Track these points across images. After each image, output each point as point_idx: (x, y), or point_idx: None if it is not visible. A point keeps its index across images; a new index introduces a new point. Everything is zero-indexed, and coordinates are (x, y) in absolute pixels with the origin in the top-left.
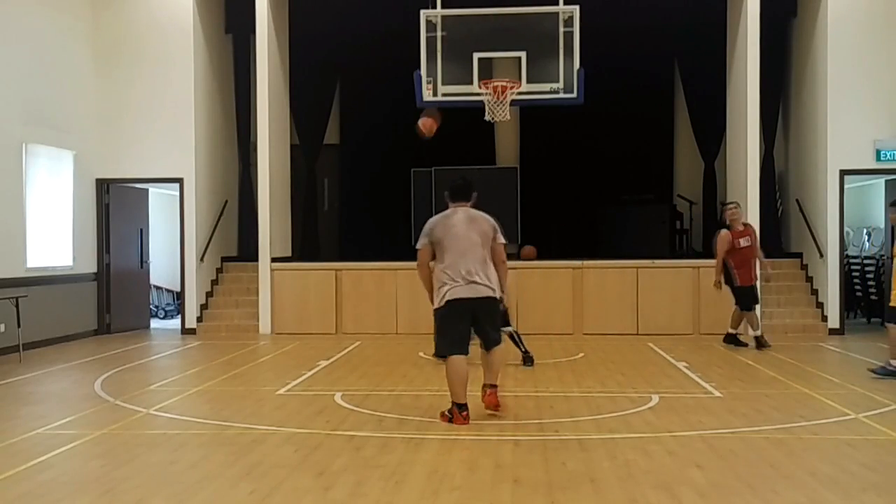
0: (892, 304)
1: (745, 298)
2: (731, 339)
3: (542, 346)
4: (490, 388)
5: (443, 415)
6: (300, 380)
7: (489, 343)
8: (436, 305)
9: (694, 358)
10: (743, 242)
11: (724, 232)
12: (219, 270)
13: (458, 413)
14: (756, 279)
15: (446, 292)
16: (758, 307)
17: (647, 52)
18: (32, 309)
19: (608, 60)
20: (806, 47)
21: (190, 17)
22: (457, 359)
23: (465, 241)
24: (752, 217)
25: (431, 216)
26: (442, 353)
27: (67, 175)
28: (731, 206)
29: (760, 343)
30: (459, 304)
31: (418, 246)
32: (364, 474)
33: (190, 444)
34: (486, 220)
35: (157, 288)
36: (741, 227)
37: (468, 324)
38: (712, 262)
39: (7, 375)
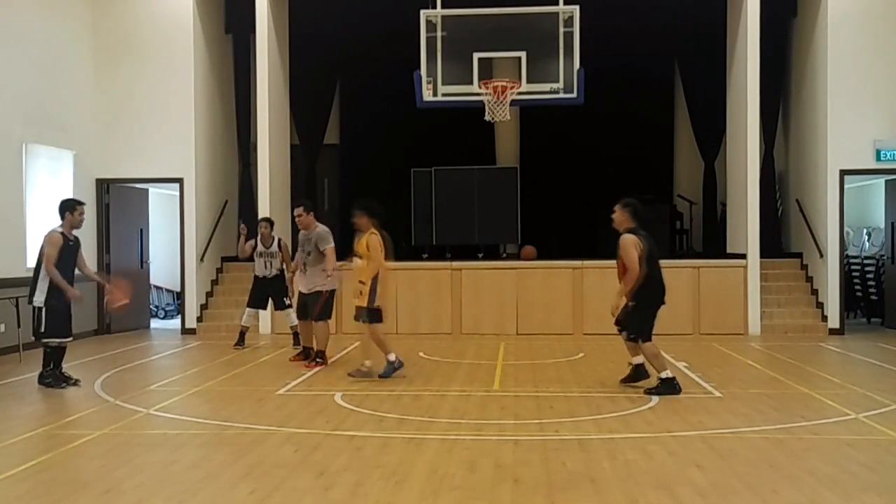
0: (359, 304)
1: None
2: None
3: (543, 346)
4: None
5: (314, 363)
6: (300, 380)
7: None
8: (335, 287)
9: (694, 358)
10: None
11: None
12: (219, 270)
13: (326, 358)
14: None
15: (334, 281)
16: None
17: (647, 52)
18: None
19: (608, 60)
20: (806, 47)
21: (190, 18)
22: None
23: None
24: (752, 217)
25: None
26: (326, 318)
27: (67, 175)
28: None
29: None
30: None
31: (333, 246)
32: (364, 474)
33: (190, 444)
34: None
35: (157, 288)
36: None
37: None
38: (712, 262)
39: (7, 375)
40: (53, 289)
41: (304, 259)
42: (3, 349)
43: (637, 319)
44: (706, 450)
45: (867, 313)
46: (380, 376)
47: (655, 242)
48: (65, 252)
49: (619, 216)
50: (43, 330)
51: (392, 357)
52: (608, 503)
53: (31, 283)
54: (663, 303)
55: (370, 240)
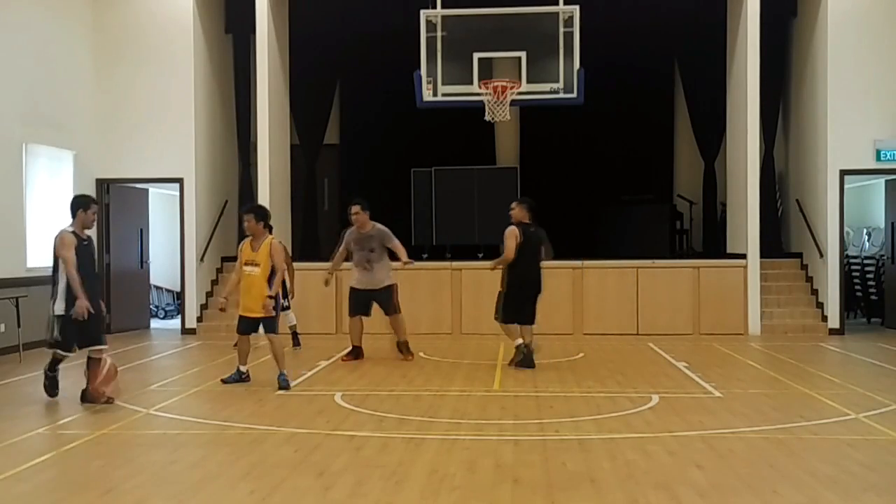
0: (267, 315)
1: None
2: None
3: (542, 346)
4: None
5: (410, 355)
6: (300, 380)
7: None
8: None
9: (694, 358)
10: None
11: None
12: (219, 270)
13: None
14: None
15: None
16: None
17: (647, 52)
18: (32, 309)
19: (608, 60)
20: (806, 47)
21: (190, 17)
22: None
23: None
24: (752, 217)
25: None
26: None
27: (67, 175)
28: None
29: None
30: None
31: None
32: (364, 474)
33: (190, 444)
34: None
35: (157, 288)
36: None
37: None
38: (712, 262)
39: (7, 375)
40: (72, 297)
41: (367, 256)
42: (3, 349)
43: (501, 302)
44: (706, 450)
45: (867, 313)
46: (223, 380)
47: (542, 239)
48: (80, 253)
49: (517, 211)
50: (58, 338)
51: (244, 369)
52: (608, 503)
53: (52, 289)
54: (536, 292)
55: (274, 245)
